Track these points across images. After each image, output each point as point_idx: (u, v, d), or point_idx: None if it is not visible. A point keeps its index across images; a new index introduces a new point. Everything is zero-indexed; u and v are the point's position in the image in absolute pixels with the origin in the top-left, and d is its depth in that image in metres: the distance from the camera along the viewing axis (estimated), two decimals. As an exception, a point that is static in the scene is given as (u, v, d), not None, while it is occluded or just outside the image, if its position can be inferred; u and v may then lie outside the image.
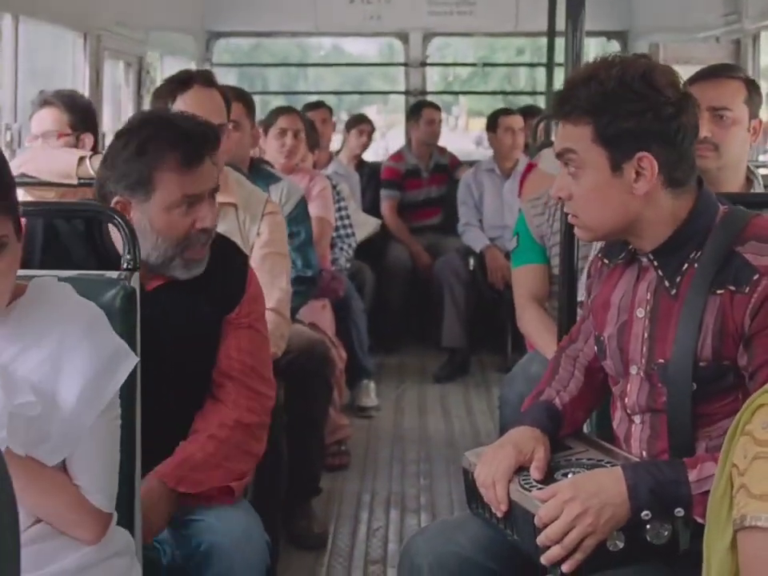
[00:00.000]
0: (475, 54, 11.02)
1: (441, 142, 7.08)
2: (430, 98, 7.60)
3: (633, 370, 2.06)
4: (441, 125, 7.11)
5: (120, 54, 5.50)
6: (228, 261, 2.50)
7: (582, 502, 1.86)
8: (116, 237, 2.39)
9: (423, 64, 7.69)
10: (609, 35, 7.58)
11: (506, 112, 6.48)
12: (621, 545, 1.87)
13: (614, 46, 7.46)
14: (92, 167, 3.02)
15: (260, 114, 5.36)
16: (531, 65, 10.48)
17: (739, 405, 1.59)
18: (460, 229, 6.31)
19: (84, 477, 1.83)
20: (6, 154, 1.97)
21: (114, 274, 2.15)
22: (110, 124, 5.31)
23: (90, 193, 2.63)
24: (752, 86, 2.88)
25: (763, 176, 3.06)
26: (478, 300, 6.16)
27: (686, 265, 1.98)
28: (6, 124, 4.19)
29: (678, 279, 1.98)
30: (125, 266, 2.19)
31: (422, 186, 6.93)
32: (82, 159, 3.13)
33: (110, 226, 2.37)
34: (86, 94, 4.48)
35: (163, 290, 2.42)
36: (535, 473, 2.01)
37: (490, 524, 2.06)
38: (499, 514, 2.00)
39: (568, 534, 1.86)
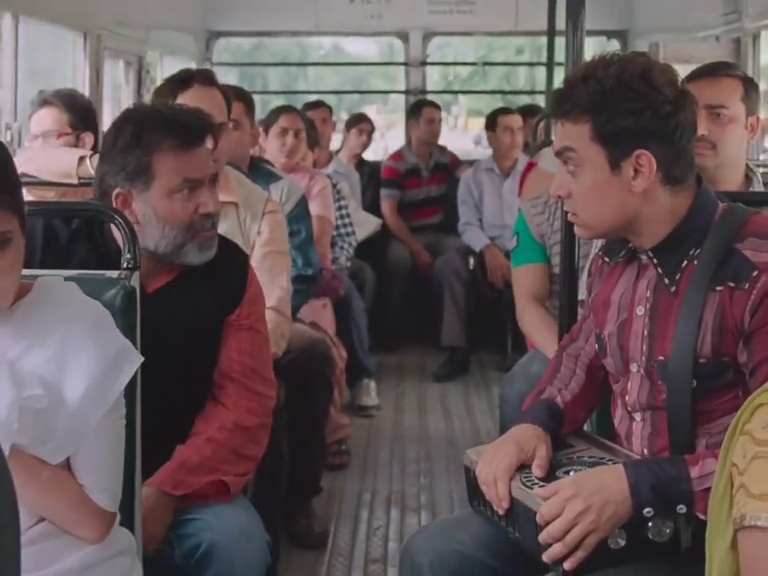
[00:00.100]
0: (475, 54, 11.01)
1: (440, 142, 7.08)
2: (430, 97, 7.59)
3: (633, 367, 2.06)
4: (441, 124, 7.11)
5: (120, 54, 5.50)
6: (229, 260, 2.50)
7: (583, 500, 1.86)
8: (117, 234, 2.38)
9: (423, 63, 7.69)
10: (609, 34, 7.58)
11: (504, 111, 6.48)
12: (622, 542, 1.87)
13: (614, 46, 7.45)
14: (92, 167, 3.02)
15: (260, 114, 5.37)
16: (531, 64, 10.47)
17: (739, 402, 1.59)
18: (460, 228, 6.31)
19: (88, 476, 1.83)
20: (7, 154, 1.96)
21: (114, 274, 2.14)
22: (110, 123, 5.30)
23: (90, 192, 2.63)
24: (748, 84, 2.89)
25: (763, 174, 3.06)
26: (478, 299, 6.16)
27: (685, 262, 1.98)
28: (6, 124, 4.19)
29: (677, 276, 1.99)
30: (125, 265, 2.19)
31: (422, 185, 6.93)
32: (82, 159, 3.13)
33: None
34: (86, 93, 4.47)
35: (167, 289, 2.42)
36: (537, 470, 2.01)
37: (492, 522, 2.06)
38: (501, 512, 2.00)
39: (570, 532, 1.86)
